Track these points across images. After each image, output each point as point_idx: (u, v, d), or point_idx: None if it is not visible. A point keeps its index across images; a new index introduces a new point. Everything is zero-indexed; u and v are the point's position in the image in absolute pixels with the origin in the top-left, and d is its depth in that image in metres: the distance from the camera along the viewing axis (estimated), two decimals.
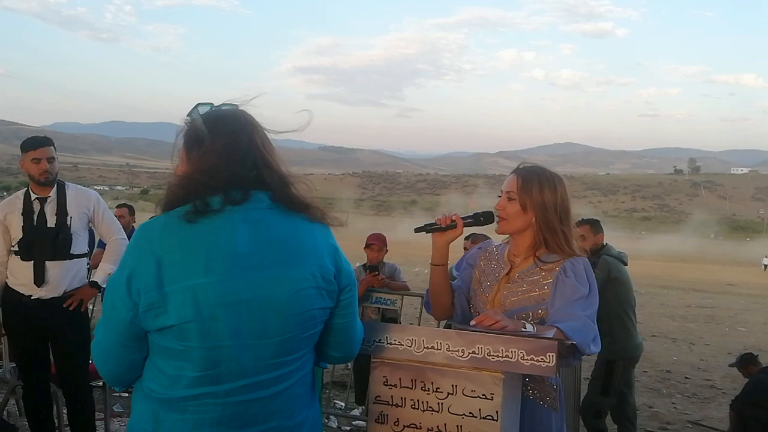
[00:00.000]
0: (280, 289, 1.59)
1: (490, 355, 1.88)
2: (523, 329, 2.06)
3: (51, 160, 3.85)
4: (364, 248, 6.18)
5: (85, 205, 3.94)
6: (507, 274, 2.36)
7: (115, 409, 5.06)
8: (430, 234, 2.43)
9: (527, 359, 1.85)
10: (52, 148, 3.92)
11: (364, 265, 6.17)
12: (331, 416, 5.84)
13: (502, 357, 1.87)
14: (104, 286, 3.79)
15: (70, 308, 3.81)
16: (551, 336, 1.99)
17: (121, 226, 4.16)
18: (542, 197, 2.29)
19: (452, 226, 2.38)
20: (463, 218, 2.40)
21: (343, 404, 6.09)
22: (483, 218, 2.44)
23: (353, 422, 5.78)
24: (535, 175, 2.33)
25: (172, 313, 1.52)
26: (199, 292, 1.52)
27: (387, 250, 6.22)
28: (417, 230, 2.47)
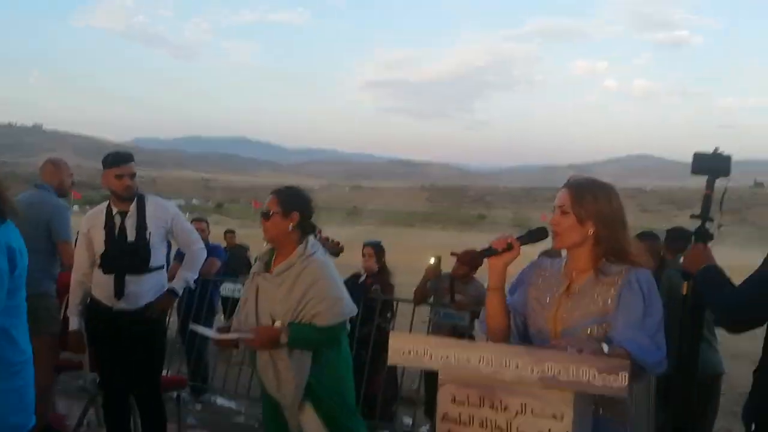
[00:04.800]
0: None
1: (560, 374, 1.84)
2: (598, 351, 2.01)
3: (132, 176, 4.00)
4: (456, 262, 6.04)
5: (163, 218, 4.05)
6: (567, 289, 2.32)
7: (189, 421, 5.18)
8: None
9: (599, 379, 1.80)
10: (133, 163, 4.07)
11: (449, 276, 6.06)
12: None
13: (573, 376, 1.83)
14: (181, 289, 3.94)
15: (152, 318, 3.93)
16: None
17: (199, 236, 4.27)
18: (598, 208, 2.25)
19: (508, 248, 2.36)
20: (518, 238, 2.37)
21: (410, 421, 6.07)
22: (537, 235, 2.41)
23: None
24: (588, 187, 2.30)
25: None
26: None
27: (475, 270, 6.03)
28: (473, 257, 2.44)
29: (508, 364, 1.91)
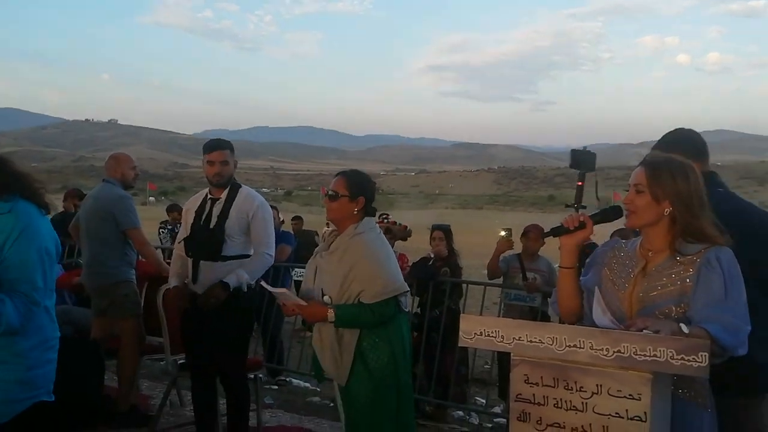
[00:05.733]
0: None
1: (636, 354, 1.81)
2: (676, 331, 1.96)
3: (224, 163, 4.00)
4: (521, 237, 6.08)
5: (246, 209, 4.02)
6: (643, 268, 2.27)
7: (266, 401, 5.32)
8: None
9: (677, 359, 1.77)
10: (227, 151, 4.06)
11: (518, 255, 6.08)
12: (473, 413, 5.84)
13: (650, 356, 1.79)
14: (234, 286, 3.94)
15: (204, 309, 3.91)
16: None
17: (272, 242, 4.14)
18: (675, 186, 2.19)
19: (581, 227, 2.32)
20: (591, 216, 2.33)
21: (484, 401, 6.07)
22: (611, 214, 2.36)
23: (494, 419, 5.75)
24: (665, 165, 2.24)
25: None
26: None
27: (543, 243, 5.98)
28: (544, 235, 2.43)
29: (582, 344, 1.89)
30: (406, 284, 3.28)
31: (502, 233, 5.67)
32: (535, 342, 1.95)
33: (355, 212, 3.27)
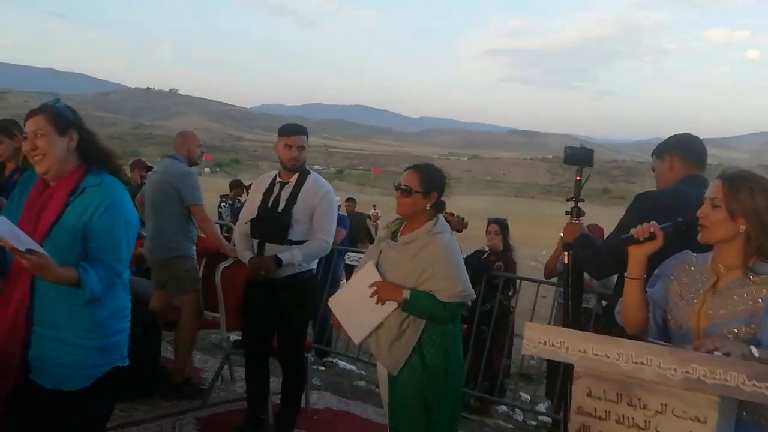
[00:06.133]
0: None
1: (705, 377, 1.78)
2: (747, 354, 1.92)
3: (300, 148, 4.06)
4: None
5: (313, 196, 4.06)
6: (713, 285, 2.22)
7: (314, 382, 5.41)
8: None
9: (748, 384, 1.73)
10: (304, 137, 4.11)
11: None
12: (517, 409, 5.82)
13: (720, 380, 1.76)
14: (286, 264, 4.02)
15: (254, 277, 4.02)
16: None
17: (333, 230, 4.19)
18: (754, 203, 2.13)
19: (651, 237, 2.28)
20: (662, 227, 2.28)
21: (528, 397, 6.05)
22: (684, 227, 2.31)
23: (539, 417, 5.73)
24: (744, 180, 2.17)
25: None
26: None
27: None
28: (612, 244, 2.39)
29: (649, 361, 1.86)
30: (473, 291, 3.30)
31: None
32: (601, 356, 1.94)
33: (428, 208, 3.29)
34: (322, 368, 6.42)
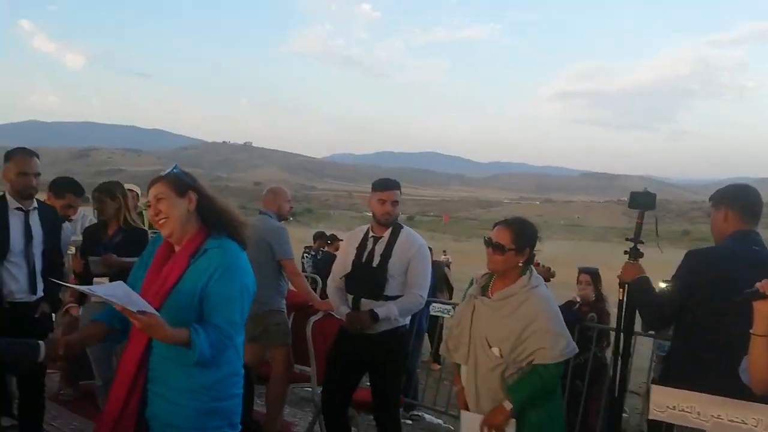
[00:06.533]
0: None
1: None
2: None
3: (394, 203, 4.10)
4: None
5: (408, 251, 4.06)
6: None
7: None
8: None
9: None
10: (398, 192, 4.15)
11: None
12: None
13: None
14: (382, 319, 4.00)
15: (350, 330, 4.02)
16: None
17: (427, 285, 4.19)
18: None
19: None
20: None
21: None
22: None
23: None
24: None
25: None
26: None
27: None
28: (735, 300, 2.26)
29: None
30: (576, 346, 3.21)
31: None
32: (737, 422, 1.84)
33: (520, 264, 3.23)
34: (409, 422, 6.33)
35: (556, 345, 3.06)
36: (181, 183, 2.59)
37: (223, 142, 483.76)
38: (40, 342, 2.47)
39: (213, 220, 2.61)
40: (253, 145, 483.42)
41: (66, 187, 4.70)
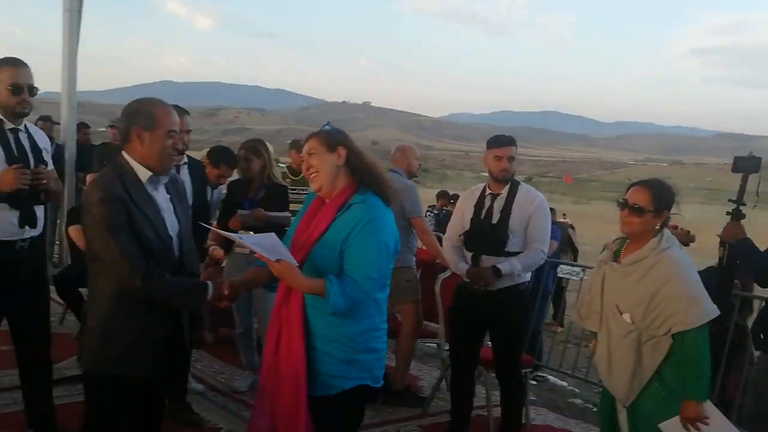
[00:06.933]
0: None
1: None
2: None
3: (511, 159, 4.08)
4: None
5: (527, 207, 4.07)
6: None
7: (530, 398, 5.32)
8: None
9: None
10: (513, 148, 4.13)
11: None
12: None
13: None
14: (505, 274, 3.97)
15: (471, 288, 4.04)
16: None
17: (548, 240, 4.18)
18: None
19: None
20: None
21: None
22: None
23: None
24: None
25: None
26: None
27: None
28: None
29: None
30: (716, 307, 3.04)
31: None
32: None
33: (657, 227, 3.10)
34: (533, 383, 6.30)
35: (689, 310, 2.92)
36: (331, 138, 2.68)
37: (343, 101, 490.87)
38: (209, 282, 2.66)
39: (361, 175, 2.67)
40: (372, 104, 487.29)
41: (222, 157, 4.91)
